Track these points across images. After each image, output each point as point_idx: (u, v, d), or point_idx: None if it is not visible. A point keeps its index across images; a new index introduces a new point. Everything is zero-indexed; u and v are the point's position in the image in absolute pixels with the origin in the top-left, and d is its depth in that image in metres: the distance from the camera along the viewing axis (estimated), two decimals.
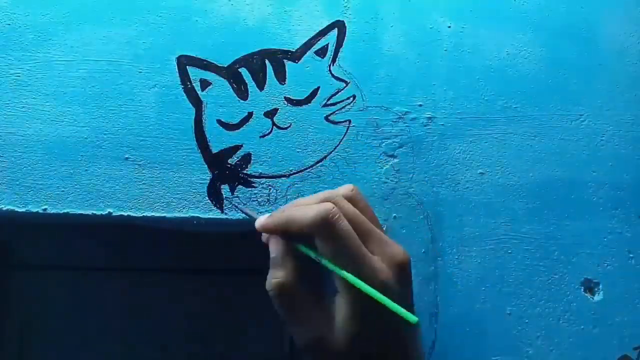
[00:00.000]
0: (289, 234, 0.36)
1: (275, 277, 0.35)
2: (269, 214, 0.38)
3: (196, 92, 0.47)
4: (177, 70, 0.47)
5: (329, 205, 0.35)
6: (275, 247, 0.36)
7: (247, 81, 0.48)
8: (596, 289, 0.52)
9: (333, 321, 0.35)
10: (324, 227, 0.34)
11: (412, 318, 0.32)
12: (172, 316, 0.70)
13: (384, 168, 0.50)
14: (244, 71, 0.48)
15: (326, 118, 0.49)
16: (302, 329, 0.35)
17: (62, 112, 0.46)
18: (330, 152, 0.49)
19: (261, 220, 0.38)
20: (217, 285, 0.71)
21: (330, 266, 0.34)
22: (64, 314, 0.68)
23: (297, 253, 0.37)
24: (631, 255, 0.53)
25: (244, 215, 0.46)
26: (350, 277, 0.33)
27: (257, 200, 0.47)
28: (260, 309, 0.71)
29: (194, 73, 0.47)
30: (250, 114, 0.48)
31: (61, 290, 0.68)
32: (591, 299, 0.52)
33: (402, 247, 0.37)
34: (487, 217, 0.51)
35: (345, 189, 0.38)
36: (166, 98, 0.47)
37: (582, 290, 0.52)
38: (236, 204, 0.45)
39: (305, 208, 0.36)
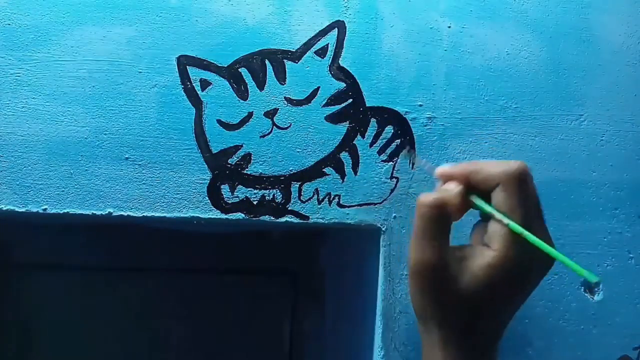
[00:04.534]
0: (471, 182, 0.37)
1: (442, 195, 0.36)
2: (450, 164, 0.39)
3: (196, 92, 0.47)
4: (177, 70, 0.47)
5: (522, 163, 0.36)
6: (453, 186, 0.37)
7: (247, 81, 0.48)
8: (596, 289, 0.52)
9: (466, 262, 0.35)
10: (516, 179, 0.35)
11: (593, 277, 0.34)
12: (172, 315, 0.70)
13: (384, 168, 0.50)
14: (244, 71, 0.48)
15: (326, 118, 0.49)
16: (431, 252, 0.35)
17: (62, 112, 0.46)
18: (331, 152, 0.49)
19: (444, 168, 0.38)
20: (217, 285, 0.71)
21: (506, 219, 0.35)
22: (64, 313, 0.68)
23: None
24: (631, 256, 0.53)
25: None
26: (530, 235, 0.34)
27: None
28: (261, 309, 0.71)
29: (194, 73, 0.47)
30: (250, 114, 0.48)
31: (61, 290, 0.68)
32: (591, 299, 0.52)
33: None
34: None
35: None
36: (166, 98, 0.47)
37: (582, 290, 0.52)
38: (409, 152, 0.45)
39: (495, 161, 0.37)
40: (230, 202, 0.47)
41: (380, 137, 0.50)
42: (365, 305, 0.54)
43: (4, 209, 0.45)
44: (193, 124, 0.47)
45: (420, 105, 0.50)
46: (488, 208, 0.36)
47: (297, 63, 0.48)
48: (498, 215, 0.35)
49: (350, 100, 0.49)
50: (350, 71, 0.49)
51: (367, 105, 0.49)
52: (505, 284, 0.35)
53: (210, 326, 0.71)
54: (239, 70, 0.47)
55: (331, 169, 0.49)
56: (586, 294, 0.52)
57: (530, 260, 0.35)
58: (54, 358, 0.68)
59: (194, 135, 0.47)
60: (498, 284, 0.35)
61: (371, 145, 0.49)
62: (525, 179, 0.35)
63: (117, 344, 0.69)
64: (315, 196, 0.48)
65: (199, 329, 0.71)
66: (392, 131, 0.50)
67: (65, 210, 0.45)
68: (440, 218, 0.36)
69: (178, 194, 0.47)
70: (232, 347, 0.71)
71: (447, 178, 0.38)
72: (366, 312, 0.53)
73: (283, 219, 0.48)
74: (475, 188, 0.37)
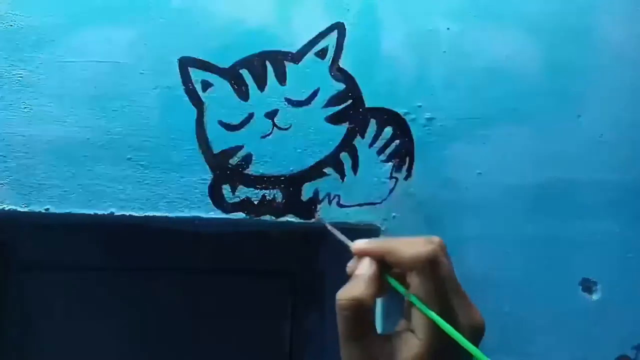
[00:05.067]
0: (386, 262, 0.36)
1: (357, 291, 0.35)
2: (367, 239, 0.38)
3: (197, 93, 0.47)
4: (178, 71, 0.47)
5: (436, 243, 0.35)
6: (366, 267, 0.36)
7: (248, 82, 0.48)
8: (594, 289, 0.52)
9: (395, 356, 0.35)
10: (430, 264, 0.34)
11: None
12: (172, 316, 0.70)
13: (383, 168, 0.50)
14: (244, 72, 0.48)
15: (326, 119, 0.49)
16: (360, 352, 0.35)
17: (64, 113, 0.46)
18: (331, 153, 0.49)
19: (360, 244, 0.38)
20: (218, 285, 0.71)
21: (420, 305, 0.34)
22: (67, 313, 0.68)
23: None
24: (630, 255, 0.53)
25: (251, 219, 0.46)
26: (441, 321, 0.34)
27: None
28: (261, 309, 0.72)
29: (196, 74, 0.47)
30: (251, 115, 0.48)
31: (62, 290, 0.68)
32: (589, 298, 0.52)
33: (480, 314, 0.37)
34: (486, 218, 0.51)
35: (438, 239, 0.37)
36: (168, 99, 0.47)
37: (581, 289, 0.52)
38: (327, 223, 0.45)
39: (410, 241, 0.36)
40: (231, 202, 0.47)
41: (380, 138, 0.50)
42: None
43: (7, 209, 0.45)
44: (194, 125, 0.47)
45: (420, 106, 0.51)
46: (404, 293, 0.35)
47: (297, 64, 0.49)
48: (416, 303, 0.34)
49: (350, 101, 0.49)
50: (350, 72, 0.49)
51: (367, 106, 0.50)
52: None
53: (210, 326, 0.71)
54: (240, 71, 0.48)
55: (331, 169, 0.49)
56: (584, 294, 0.52)
57: (455, 344, 0.34)
58: (56, 357, 0.68)
59: (195, 136, 0.47)
60: None
61: (371, 145, 0.50)
62: (437, 260, 0.34)
63: (118, 343, 0.69)
64: (316, 196, 0.49)
65: (199, 329, 0.71)
66: (392, 132, 0.50)
67: (68, 211, 0.45)
68: (361, 315, 0.35)
69: (180, 194, 0.47)
70: (232, 347, 0.71)
71: (363, 255, 0.37)
72: None
73: (283, 219, 0.48)
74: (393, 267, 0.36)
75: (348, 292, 0.35)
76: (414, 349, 0.34)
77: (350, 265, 0.39)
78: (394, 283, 0.36)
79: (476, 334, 0.36)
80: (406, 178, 0.50)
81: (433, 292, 0.34)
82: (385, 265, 0.37)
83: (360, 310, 0.35)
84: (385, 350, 0.35)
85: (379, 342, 0.35)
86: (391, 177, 0.50)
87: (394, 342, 0.36)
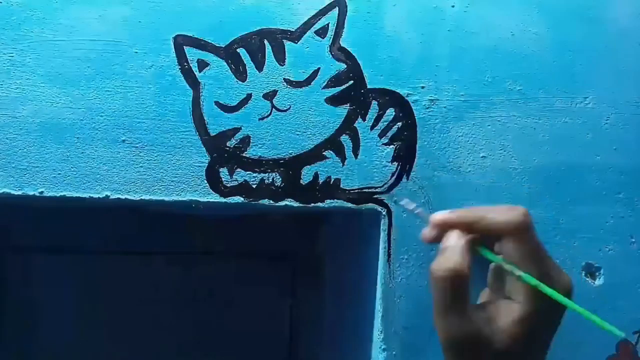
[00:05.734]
0: (473, 231, 0.36)
1: (452, 262, 0.35)
2: (448, 210, 0.37)
3: (194, 73, 0.46)
4: (174, 50, 0.46)
5: (525, 210, 0.35)
6: (454, 239, 0.36)
7: (245, 62, 0.47)
8: (597, 274, 0.52)
9: (494, 322, 0.35)
10: (522, 229, 0.35)
11: (619, 333, 0.35)
12: (172, 298, 0.70)
13: (385, 151, 0.49)
14: (242, 52, 0.47)
15: (326, 100, 0.48)
16: (458, 321, 0.35)
17: (57, 93, 0.45)
18: (331, 135, 0.48)
19: (441, 216, 0.37)
20: (217, 268, 0.71)
21: (515, 270, 0.34)
22: (64, 297, 0.68)
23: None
24: (633, 240, 0.53)
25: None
26: (544, 286, 0.34)
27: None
28: (261, 292, 0.72)
29: (191, 53, 0.46)
30: (249, 96, 0.47)
31: (60, 274, 0.68)
32: (592, 283, 0.52)
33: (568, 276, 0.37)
34: (489, 202, 0.50)
35: (522, 207, 0.37)
36: (163, 79, 0.46)
37: (583, 274, 0.52)
38: (398, 200, 0.44)
39: (497, 209, 0.36)
40: (229, 185, 0.47)
41: (382, 120, 0.49)
42: (366, 289, 0.54)
43: (0, 192, 0.44)
44: (191, 106, 0.46)
45: (423, 87, 0.49)
46: (500, 261, 0.35)
47: (296, 43, 0.47)
48: (510, 268, 0.35)
49: (351, 81, 0.48)
50: (351, 52, 0.48)
51: (368, 87, 0.49)
52: (535, 334, 0.35)
53: (209, 309, 0.71)
54: (237, 50, 0.46)
55: (331, 152, 0.48)
56: (587, 278, 0.52)
57: (555, 305, 0.35)
58: (54, 342, 0.68)
59: (191, 117, 0.46)
60: (529, 335, 0.35)
61: (372, 128, 0.49)
62: (531, 225, 0.35)
63: (117, 327, 0.69)
64: (315, 179, 0.48)
65: (198, 313, 0.71)
66: (394, 114, 0.49)
67: (62, 194, 0.45)
68: (459, 286, 0.35)
69: (176, 177, 0.46)
70: (231, 331, 0.71)
71: (445, 227, 0.37)
72: (366, 296, 0.53)
73: (282, 203, 0.47)
74: (475, 236, 0.36)
75: (444, 264, 0.35)
76: (515, 314, 0.35)
77: (425, 233, 0.38)
78: (487, 252, 0.36)
79: (568, 294, 0.37)
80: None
81: (530, 257, 0.34)
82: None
83: (459, 281, 0.35)
84: (483, 317, 0.35)
85: (475, 311, 0.36)
86: (393, 161, 0.49)
87: (491, 309, 0.36)
